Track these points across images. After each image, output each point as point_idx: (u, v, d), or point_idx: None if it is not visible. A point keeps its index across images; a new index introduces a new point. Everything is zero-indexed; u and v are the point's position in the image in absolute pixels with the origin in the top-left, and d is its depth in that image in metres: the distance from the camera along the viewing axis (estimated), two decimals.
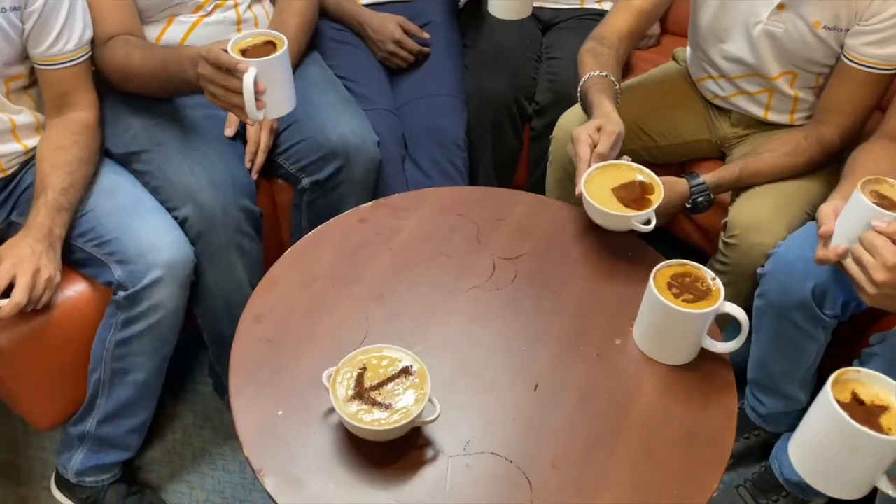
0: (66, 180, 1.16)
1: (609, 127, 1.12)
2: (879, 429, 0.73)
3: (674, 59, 1.62)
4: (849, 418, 0.72)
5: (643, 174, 1.10)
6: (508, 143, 1.64)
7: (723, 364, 0.97)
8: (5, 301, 1.05)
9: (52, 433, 1.47)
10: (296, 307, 1.01)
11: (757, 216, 1.26)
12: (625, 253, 1.12)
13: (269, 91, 1.05)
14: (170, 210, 1.24)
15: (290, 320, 0.99)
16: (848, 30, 1.22)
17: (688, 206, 1.30)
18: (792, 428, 1.32)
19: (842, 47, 1.25)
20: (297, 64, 1.47)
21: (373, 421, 0.81)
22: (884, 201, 0.93)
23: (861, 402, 0.76)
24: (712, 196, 1.30)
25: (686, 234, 1.60)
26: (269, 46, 1.07)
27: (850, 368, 0.77)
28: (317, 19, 1.55)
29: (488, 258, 1.09)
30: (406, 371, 0.87)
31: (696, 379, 0.95)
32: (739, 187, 1.32)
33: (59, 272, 1.12)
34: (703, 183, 1.29)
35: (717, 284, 0.94)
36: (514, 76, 1.61)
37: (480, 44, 1.67)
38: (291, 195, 1.47)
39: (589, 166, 1.09)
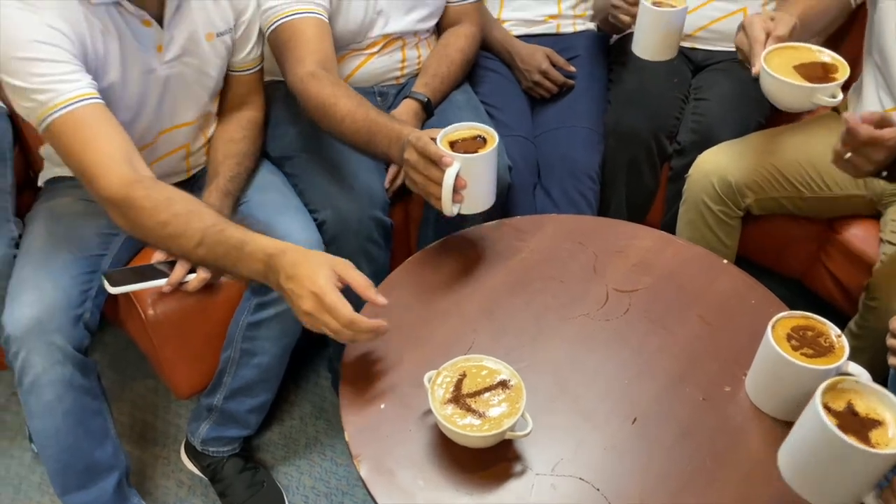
0: (235, 169, 1.30)
1: (785, 17, 1.13)
2: (867, 442, 0.69)
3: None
4: (833, 427, 0.69)
5: (825, 54, 1.08)
6: (644, 181, 1.62)
7: None
8: (193, 276, 1.20)
9: (188, 403, 1.62)
10: (410, 311, 1.06)
11: None
12: (747, 300, 1.08)
13: (470, 187, 1.03)
14: (311, 212, 1.35)
15: (403, 323, 1.04)
16: None
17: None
18: None
19: None
20: (448, 91, 1.56)
21: (465, 426, 0.84)
22: None
23: (855, 414, 0.73)
24: None
25: (827, 292, 1.50)
26: (479, 141, 1.07)
27: (848, 377, 0.74)
28: (476, 56, 1.62)
29: (602, 288, 1.09)
30: (503, 384, 0.89)
31: None
32: None
33: None
34: None
35: (842, 342, 0.89)
36: (657, 114, 1.60)
37: (626, 80, 1.67)
38: (422, 210, 1.55)
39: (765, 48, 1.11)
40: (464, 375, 0.90)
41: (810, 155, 1.43)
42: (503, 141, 1.50)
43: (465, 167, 1.02)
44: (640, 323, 1.04)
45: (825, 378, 0.87)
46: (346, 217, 1.32)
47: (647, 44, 1.40)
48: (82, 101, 1.02)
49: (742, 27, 1.19)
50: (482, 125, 1.09)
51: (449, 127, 1.08)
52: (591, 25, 1.79)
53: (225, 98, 1.38)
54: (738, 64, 1.67)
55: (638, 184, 1.63)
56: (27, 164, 1.51)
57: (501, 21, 1.74)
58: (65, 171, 1.33)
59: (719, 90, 1.62)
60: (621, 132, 1.59)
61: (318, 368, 1.71)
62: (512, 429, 0.85)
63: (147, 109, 1.22)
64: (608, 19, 1.47)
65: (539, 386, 0.95)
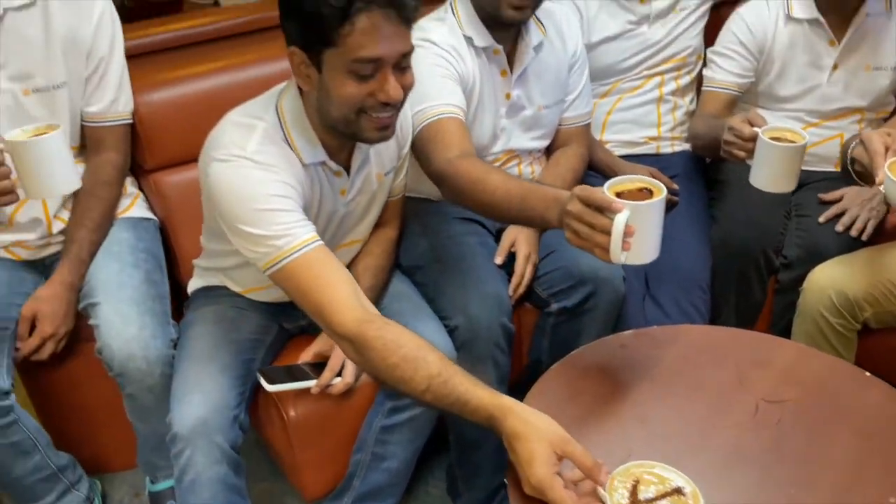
0: (371, 281, 1.38)
1: None
2: None
3: None
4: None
5: None
6: (753, 294, 1.66)
7: None
8: (338, 380, 1.27)
9: None
10: (562, 417, 1.08)
11: None
12: None
13: (638, 235, 1.03)
14: (442, 318, 1.41)
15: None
16: None
17: None
18: None
19: None
20: None
21: None
22: None
23: None
24: None
25: None
26: (645, 193, 1.07)
27: None
28: (584, 175, 1.72)
29: (751, 398, 1.11)
30: (678, 491, 0.90)
31: None
32: None
33: None
34: None
35: None
36: (763, 230, 1.65)
37: (728, 197, 1.74)
38: (536, 318, 1.60)
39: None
40: (637, 482, 0.92)
41: None
42: None
43: (634, 214, 1.02)
44: (794, 434, 1.05)
45: None
46: (477, 323, 1.38)
47: (769, 178, 1.40)
48: (312, 243, 1.12)
49: (861, 142, 1.27)
50: (647, 178, 1.11)
51: (613, 179, 1.10)
52: (688, 146, 1.88)
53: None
54: (838, 182, 1.74)
55: (747, 296, 1.67)
56: (172, 272, 1.61)
57: (603, 142, 1.85)
58: (213, 281, 1.42)
59: (820, 208, 1.68)
60: (730, 247, 1.64)
61: (427, 476, 1.72)
62: None
63: (324, 241, 1.32)
64: (719, 152, 1.46)
65: (702, 495, 0.95)
